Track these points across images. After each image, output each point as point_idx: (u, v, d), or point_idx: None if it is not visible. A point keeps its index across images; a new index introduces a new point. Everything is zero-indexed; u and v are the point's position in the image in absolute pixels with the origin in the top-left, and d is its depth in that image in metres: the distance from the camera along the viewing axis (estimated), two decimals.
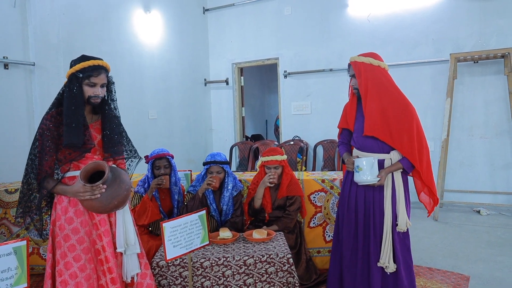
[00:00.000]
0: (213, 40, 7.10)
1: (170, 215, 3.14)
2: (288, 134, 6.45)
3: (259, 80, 9.50)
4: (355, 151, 2.47)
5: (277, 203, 3.02)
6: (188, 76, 6.62)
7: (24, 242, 1.72)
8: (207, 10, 7.03)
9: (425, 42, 5.42)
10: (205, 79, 7.08)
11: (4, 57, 4.08)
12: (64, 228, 1.87)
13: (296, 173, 3.60)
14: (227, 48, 6.98)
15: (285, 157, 3.02)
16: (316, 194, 3.27)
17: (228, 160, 6.54)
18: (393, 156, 2.35)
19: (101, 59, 1.99)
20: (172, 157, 3.14)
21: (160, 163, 3.07)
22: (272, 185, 2.97)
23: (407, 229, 2.36)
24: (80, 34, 4.79)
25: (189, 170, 3.38)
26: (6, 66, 4.12)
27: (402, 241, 2.37)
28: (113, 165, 2.02)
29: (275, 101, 7.03)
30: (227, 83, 7.00)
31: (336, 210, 3.24)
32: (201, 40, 6.98)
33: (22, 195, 1.88)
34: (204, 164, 3.08)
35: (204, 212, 2.30)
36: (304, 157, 6.03)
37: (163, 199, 3.12)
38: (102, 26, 5.07)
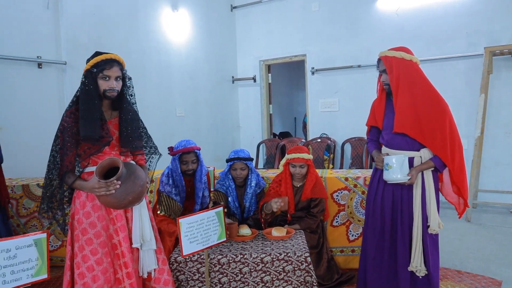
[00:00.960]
0: (241, 37, 7.10)
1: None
2: (316, 131, 6.38)
3: (288, 77, 9.44)
4: (384, 149, 2.39)
5: (300, 204, 2.98)
6: (215, 73, 6.66)
7: (44, 235, 1.78)
8: (234, 7, 7.04)
9: (458, 36, 5.20)
10: (232, 77, 7.10)
11: (37, 57, 4.24)
12: (82, 222, 1.92)
13: (319, 171, 3.54)
14: (254, 46, 6.97)
15: (311, 156, 2.98)
16: (339, 193, 3.20)
17: (255, 157, 6.57)
18: (424, 154, 2.26)
19: (115, 54, 2.02)
20: (199, 149, 2.96)
21: (188, 157, 2.86)
22: (278, 213, 2.91)
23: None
24: (109, 33, 4.90)
25: (212, 167, 3.40)
26: (39, 65, 4.28)
27: (433, 243, 2.29)
28: (130, 161, 2.05)
29: (304, 98, 6.95)
30: (255, 80, 6.99)
31: (360, 209, 3.17)
32: (228, 37, 7.01)
33: (45, 191, 1.94)
34: (228, 160, 3.09)
35: (221, 208, 2.30)
36: (332, 154, 5.94)
37: (188, 196, 3.00)
38: (130, 25, 5.17)
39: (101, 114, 1.92)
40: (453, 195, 2.38)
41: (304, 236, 2.66)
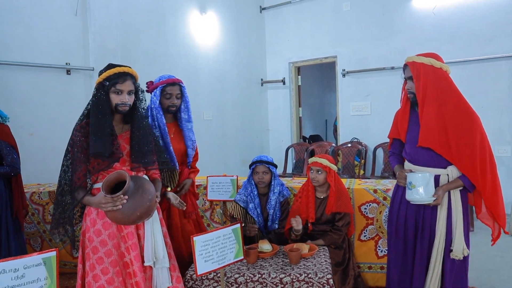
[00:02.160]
0: (270, 39, 6.98)
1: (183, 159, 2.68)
2: (346, 135, 6.16)
3: (319, 78, 9.23)
4: (407, 164, 2.21)
5: (324, 218, 2.83)
6: (244, 76, 6.57)
7: (54, 253, 1.72)
8: (263, 8, 6.92)
9: (501, 35, 4.84)
10: (261, 79, 6.99)
11: (66, 63, 4.30)
12: (92, 240, 1.87)
13: (347, 181, 3.37)
14: (283, 47, 6.82)
15: (332, 165, 2.82)
16: (367, 205, 3.02)
17: (283, 161, 6.44)
18: (451, 172, 2.06)
19: (129, 67, 1.95)
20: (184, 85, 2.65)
21: (173, 90, 2.49)
22: (297, 237, 2.75)
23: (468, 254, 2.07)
24: (136, 38, 4.91)
25: (235, 176, 3.29)
26: (68, 72, 4.33)
27: (455, 268, 2.07)
28: (139, 175, 1.98)
29: (335, 100, 6.75)
30: (284, 83, 6.86)
31: None
32: (257, 39, 6.90)
33: (56, 206, 1.90)
34: (250, 165, 3.00)
35: (238, 225, 2.19)
36: (363, 160, 5.71)
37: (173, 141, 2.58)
38: (157, 29, 5.16)
39: (111, 129, 1.86)
40: (488, 217, 2.15)
41: (327, 254, 2.51)
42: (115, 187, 1.79)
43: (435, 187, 2.03)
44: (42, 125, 4.11)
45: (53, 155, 4.19)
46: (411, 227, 2.15)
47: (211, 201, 3.53)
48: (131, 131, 1.97)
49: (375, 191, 3.01)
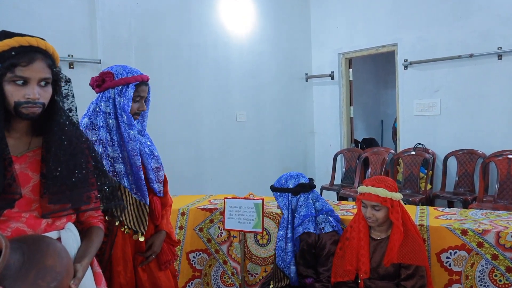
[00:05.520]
0: (316, 27, 6.01)
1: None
2: (409, 140, 5.05)
3: (374, 72, 8.10)
4: None
5: (383, 270, 1.88)
6: (284, 70, 5.67)
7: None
8: None
9: None
10: (306, 74, 6.04)
11: (69, 56, 3.65)
12: None
13: (417, 212, 2.38)
14: (332, 36, 5.83)
15: (396, 195, 1.88)
16: (450, 253, 2.03)
17: (331, 170, 5.46)
18: None
19: (40, 38, 1.14)
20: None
21: (144, 91, 1.75)
22: None
23: None
24: (155, 27, 4.20)
25: (260, 199, 2.39)
26: (71, 65, 3.69)
27: None
28: (56, 227, 1.16)
29: (394, 97, 5.67)
30: (332, 78, 5.86)
31: (487, 282, 1.96)
32: (301, 27, 5.95)
33: None
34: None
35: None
36: (430, 172, 4.61)
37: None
38: (181, 16, 4.42)
39: (2, 149, 1.05)
40: None
41: None
42: None
43: None
44: None
45: None
46: None
47: (229, 231, 2.67)
48: (45, 149, 1.15)
49: (464, 232, 2.00)
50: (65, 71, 3.56)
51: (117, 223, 1.60)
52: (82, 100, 3.69)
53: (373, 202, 1.88)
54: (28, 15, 3.40)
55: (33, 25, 3.42)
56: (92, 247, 1.24)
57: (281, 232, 2.15)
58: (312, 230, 2.07)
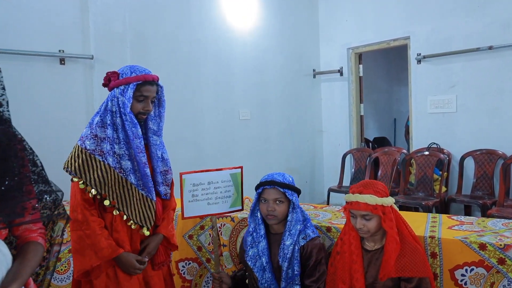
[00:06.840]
0: (324, 20, 5.75)
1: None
2: (422, 140, 4.76)
3: (386, 68, 7.80)
4: None
5: (380, 285, 1.66)
6: (290, 66, 5.42)
7: None
8: None
9: None
10: (313, 70, 5.79)
11: (59, 51, 3.47)
12: None
13: (428, 220, 2.12)
14: (341, 30, 5.57)
15: (387, 200, 1.66)
16: (466, 270, 1.76)
17: (339, 171, 5.20)
18: None
19: None
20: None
21: (149, 91, 1.75)
22: None
23: None
24: (152, 20, 4.01)
25: (239, 167, 2.02)
26: (62, 61, 3.50)
27: None
28: None
29: (406, 94, 5.39)
30: (341, 74, 5.61)
31: None
32: (308, 21, 5.69)
33: None
34: (256, 187, 1.98)
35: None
36: (445, 173, 4.31)
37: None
38: (180, 9, 4.21)
39: None
40: None
41: None
42: None
43: None
44: (31, 124, 3.25)
45: (43, 160, 3.38)
46: None
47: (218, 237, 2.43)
48: None
49: (482, 246, 1.73)
50: (56, 67, 3.45)
51: (125, 217, 1.69)
52: (73, 94, 3.58)
53: (362, 211, 1.64)
54: (16, 8, 3.23)
55: (22, 18, 3.25)
56: (25, 268, 1.03)
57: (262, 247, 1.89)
58: (301, 242, 1.84)
